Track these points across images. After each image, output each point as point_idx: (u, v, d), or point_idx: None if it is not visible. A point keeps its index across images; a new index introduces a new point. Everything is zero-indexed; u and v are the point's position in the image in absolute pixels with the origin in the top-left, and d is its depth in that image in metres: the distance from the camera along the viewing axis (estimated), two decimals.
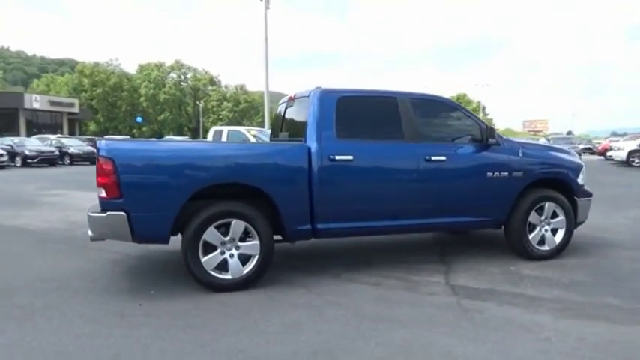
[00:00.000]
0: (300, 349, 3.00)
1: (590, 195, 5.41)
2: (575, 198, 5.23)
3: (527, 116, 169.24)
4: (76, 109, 48.24)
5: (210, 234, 4.00)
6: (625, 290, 4.13)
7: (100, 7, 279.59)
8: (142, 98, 70.48)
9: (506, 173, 4.87)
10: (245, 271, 4.11)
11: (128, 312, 3.64)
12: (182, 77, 75.58)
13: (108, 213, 3.80)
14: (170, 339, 3.15)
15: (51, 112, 45.29)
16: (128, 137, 47.13)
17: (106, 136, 35.30)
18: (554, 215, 5.12)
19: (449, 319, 3.50)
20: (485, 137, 4.75)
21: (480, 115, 58.57)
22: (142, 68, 74.25)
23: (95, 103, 66.61)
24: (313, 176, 4.25)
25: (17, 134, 35.75)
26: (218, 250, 4.06)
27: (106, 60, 74.70)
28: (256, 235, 4.11)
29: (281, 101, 5.51)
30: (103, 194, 3.80)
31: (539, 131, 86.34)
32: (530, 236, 5.03)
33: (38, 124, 43.41)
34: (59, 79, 77.94)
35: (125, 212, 3.80)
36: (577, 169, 5.26)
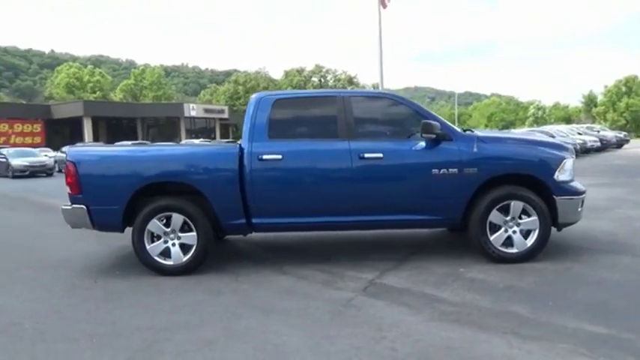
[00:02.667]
0: (164, 324, 3.45)
1: (578, 193, 4.76)
2: (554, 196, 4.68)
3: None
4: (226, 115, 53.99)
5: (154, 225, 4.64)
6: (555, 301, 3.68)
7: (247, 20, 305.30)
8: None
9: (456, 170, 4.60)
10: (184, 259, 4.67)
11: (85, 286, 4.47)
12: (322, 80, 79.04)
13: (73, 206, 4.70)
14: (99, 309, 3.87)
15: (205, 118, 51.46)
16: None
17: None
18: (526, 215, 4.67)
19: (316, 312, 3.61)
20: (433, 132, 4.56)
21: None
22: (286, 74, 79.64)
23: None
24: (245, 175, 4.62)
25: (179, 139, 41.52)
26: (162, 240, 4.69)
27: (256, 69, 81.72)
28: (194, 228, 4.65)
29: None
30: (69, 191, 4.71)
31: None
32: (492, 237, 4.67)
33: (195, 130, 49.68)
34: (220, 88, 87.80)
35: (85, 206, 4.66)
36: (552, 163, 4.68)
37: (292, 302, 3.87)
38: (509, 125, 67.62)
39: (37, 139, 37.85)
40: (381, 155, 4.63)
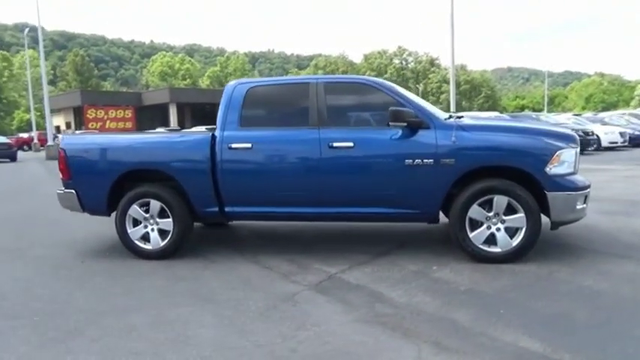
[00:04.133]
0: (105, 307, 3.59)
1: (577, 188, 4.21)
2: (545, 192, 4.18)
3: None
4: None
5: (134, 210, 4.83)
6: (510, 309, 3.31)
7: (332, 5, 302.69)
8: None
9: (431, 160, 4.26)
10: (162, 244, 4.81)
11: (70, 266, 4.79)
12: (403, 63, 77.18)
13: (65, 191, 5.02)
14: (64, 289, 4.15)
15: None
16: None
17: None
18: (512, 211, 4.23)
19: (251, 306, 3.53)
20: (403, 120, 4.25)
21: None
22: (366, 58, 78.78)
23: None
24: (217, 163, 4.64)
25: None
26: (142, 225, 4.87)
27: (337, 53, 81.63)
28: (170, 214, 4.77)
29: None
30: (61, 176, 5.03)
31: None
32: (472, 234, 4.29)
33: None
34: (302, 73, 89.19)
35: (75, 190, 4.96)
36: (543, 154, 4.16)
37: (237, 293, 3.84)
38: (610, 107, 61.46)
39: (129, 124, 40.90)
40: (351, 144, 4.41)
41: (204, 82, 78.58)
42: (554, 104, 77.96)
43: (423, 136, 4.31)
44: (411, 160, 4.29)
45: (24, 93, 60.32)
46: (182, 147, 4.79)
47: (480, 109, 63.66)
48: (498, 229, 4.27)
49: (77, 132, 29.27)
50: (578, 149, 4.40)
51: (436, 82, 72.76)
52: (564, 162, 4.21)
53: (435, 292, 3.68)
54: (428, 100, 71.36)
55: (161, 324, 3.28)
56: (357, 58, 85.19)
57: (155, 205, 4.78)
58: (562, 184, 4.17)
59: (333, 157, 4.44)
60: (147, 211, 4.83)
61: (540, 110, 58.11)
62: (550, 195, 4.16)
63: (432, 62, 75.12)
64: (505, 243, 4.24)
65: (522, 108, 71.57)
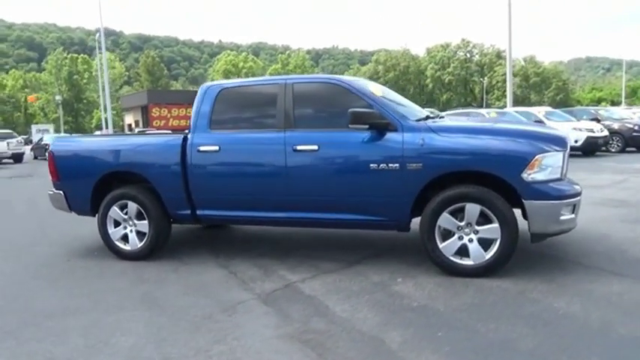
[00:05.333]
0: (59, 308, 3.67)
1: (560, 196, 3.74)
2: (523, 199, 3.76)
3: None
4: None
5: (114, 212, 4.93)
6: (449, 332, 3.01)
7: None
8: (428, 80, 73.04)
9: (397, 165, 3.97)
10: (139, 245, 4.87)
11: (54, 264, 4.98)
12: (468, 56, 74.31)
13: (54, 191, 5.22)
14: (36, 287, 4.32)
15: None
16: None
17: None
18: (487, 221, 3.85)
19: (189, 314, 3.47)
20: (365, 122, 4.00)
21: None
22: (429, 51, 76.69)
23: (387, 87, 72.83)
24: (187, 166, 4.61)
25: None
26: (122, 226, 4.96)
27: (397, 47, 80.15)
28: (146, 216, 4.82)
29: None
30: (51, 178, 5.23)
31: None
32: (443, 245, 3.96)
33: None
34: (362, 68, 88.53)
35: (63, 191, 5.14)
36: (518, 159, 3.73)
37: (186, 300, 3.79)
38: None
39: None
40: (316, 147, 4.21)
41: None
42: (637, 96, 71.71)
43: (389, 138, 4.03)
44: (375, 165, 4.03)
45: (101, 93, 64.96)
46: (155, 150, 4.81)
47: (551, 103, 59.99)
48: (471, 240, 3.91)
49: (136, 130, 30.88)
50: (567, 152, 3.93)
51: (502, 75, 69.17)
52: (547, 167, 3.77)
53: (382, 308, 3.42)
54: (493, 94, 68.58)
55: (93, 328, 3.29)
56: (420, 52, 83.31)
57: (132, 207, 4.85)
58: (543, 191, 3.74)
59: (298, 161, 4.27)
60: (126, 213, 4.92)
61: (619, 103, 53.70)
62: (528, 204, 3.74)
63: (499, 54, 71.58)
64: (478, 255, 3.88)
65: (599, 101, 66.50)
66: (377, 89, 4.53)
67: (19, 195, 11.12)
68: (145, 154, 4.81)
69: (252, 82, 4.88)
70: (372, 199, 4.12)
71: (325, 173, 4.23)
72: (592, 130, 14.23)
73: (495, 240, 3.82)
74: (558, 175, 3.83)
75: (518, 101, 61.22)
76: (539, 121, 14.28)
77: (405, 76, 73.96)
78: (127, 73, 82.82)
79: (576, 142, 13.82)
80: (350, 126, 3.99)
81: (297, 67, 74.71)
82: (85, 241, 5.79)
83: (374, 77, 74.89)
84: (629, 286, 3.59)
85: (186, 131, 4.77)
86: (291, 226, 4.95)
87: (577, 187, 3.98)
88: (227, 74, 76.04)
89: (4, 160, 22.32)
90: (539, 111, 15.60)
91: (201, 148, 4.53)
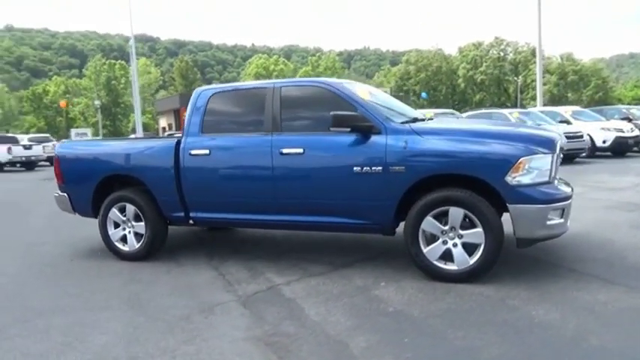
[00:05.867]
0: (50, 307, 3.81)
1: (547, 200, 3.62)
2: (507, 203, 3.66)
3: None
4: None
5: (113, 214, 5.08)
6: (416, 339, 2.97)
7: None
8: (460, 80, 71.79)
9: (380, 168, 3.94)
10: (137, 246, 5.01)
11: (57, 264, 5.17)
12: (501, 54, 72.54)
13: (59, 194, 5.43)
14: (34, 286, 4.51)
15: None
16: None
17: None
18: (472, 225, 3.77)
19: (169, 315, 3.54)
20: (346, 125, 3.98)
21: None
22: (461, 50, 75.35)
23: (418, 88, 72.01)
24: (180, 170, 4.71)
25: None
26: (120, 227, 5.11)
27: (429, 47, 79.03)
28: (142, 218, 4.95)
29: None
30: (56, 180, 5.43)
31: None
32: (427, 249, 3.90)
33: None
34: (392, 69, 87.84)
35: (67, 194, 5.34)
36: (501, 161, 3.63)
37: (170, 300, 3.87)
38: None
39: None
40: (301, 150, 4.23)
41: None
42: None
43: (373, 141, 4.00)
44: (359, 168, 4.01)
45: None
46: (149, 153, 4.93)
47: (590, 102, 57.91)
48: (455, 245, 3.83)
49: (166, 134, 31.63)
50: (556, 155, 3.80)
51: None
52: (533, 170, 3.66)
53: (357, 312, 3.40)
54: (527, 94, 66.54)
55: (74, 327, 3.40)
56: (452, 51, 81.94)
57: (130, 209, 4.99)
58: (529, 195, 3.63)
59: (284, 164, 4.29)
60: (125, 215, 5.06)
61: None
62: (512, 208, 3.64)
63: (534, 52, 69.60)
64: (462, 260, 3.80)
65: None
66: (365, 92, 4.50)
67: (44, 196, 11.57)
68: (141, 158, 4.94)
69: (242, 86, 4.95)
70: (356, 202, 4.10)
71: (310, 176, 4.24)
72: (621, 130, 13.67)
73: (479, 245, 3.74)
74: (546, 179, 3.71)
75: (554, 100, 59.44)
76: (566, 121, 13.84)
77: (437, 76, 72.83)
78: (162, 78, 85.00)
79: (604, 142, 13.32)
80: (331, 129, 3.99)
81: (328, 69, 74.69)
82: (90, 241, 5.98)
83: (405, 78, 74.18)
84: (617, 295, 3.44)
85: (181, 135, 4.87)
86: (281, 228, 4.98)
87: (568, 190, 3.84)
88: (258, 77, 76.87)
89: (40, 163, 23.26)
90: (566, 110, 15.12)
91: (193, 152, 4.62)
